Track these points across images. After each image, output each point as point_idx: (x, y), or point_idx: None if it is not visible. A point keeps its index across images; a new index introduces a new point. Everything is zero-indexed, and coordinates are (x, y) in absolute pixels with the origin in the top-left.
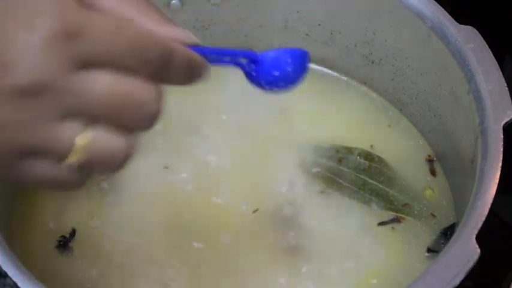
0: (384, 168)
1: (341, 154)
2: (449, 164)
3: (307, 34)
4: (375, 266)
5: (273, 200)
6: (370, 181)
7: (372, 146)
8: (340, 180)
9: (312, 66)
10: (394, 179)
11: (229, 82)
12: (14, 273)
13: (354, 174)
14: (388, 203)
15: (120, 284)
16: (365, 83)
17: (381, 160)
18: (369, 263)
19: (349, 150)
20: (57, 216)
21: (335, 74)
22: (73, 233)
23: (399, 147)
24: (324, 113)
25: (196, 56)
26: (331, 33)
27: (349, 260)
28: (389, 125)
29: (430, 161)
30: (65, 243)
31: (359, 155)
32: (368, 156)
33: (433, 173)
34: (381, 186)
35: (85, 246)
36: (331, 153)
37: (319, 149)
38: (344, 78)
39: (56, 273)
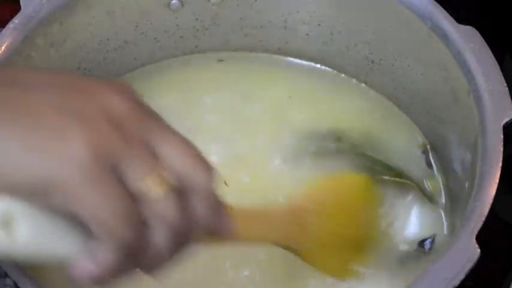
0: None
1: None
2: (449, 163)
3: (307, 34)
4: None
5: (271, 198)
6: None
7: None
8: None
9: (312, 66)
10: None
11: (230, 82)
12: (14, 273)
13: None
14: (388, 169)
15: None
16: (365, 83)
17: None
18: None
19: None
20: None
21: (335, 74)
22: None
23: (399, 146)
24: (324, 113)
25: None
26: (331, 33)
27: None
28: (385, 120)
29: (425, 152)
30: None
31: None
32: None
33: (430, 165)
34: (381, 159)
35: None
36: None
37: (316, 136)
38: (344, 78)
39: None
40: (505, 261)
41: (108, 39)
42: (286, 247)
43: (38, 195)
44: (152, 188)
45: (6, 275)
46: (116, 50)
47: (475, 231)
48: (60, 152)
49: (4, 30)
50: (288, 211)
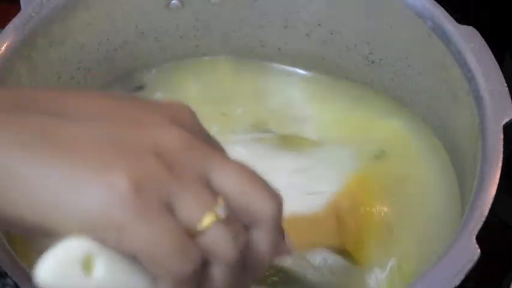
0: None
1: None
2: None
3: (307, 34)
4: None
5: None
6: None
7: (370, 144)
8: None
9: (312, 66)
10: None
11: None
12: (14, 273)
13: None
14: None
15: None
16: (365, 83)
17: None
18: None
19: None
20: None
21: (335, 74)
22: None
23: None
24: (324, 113)
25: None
26: (331, 33)
27: None
28: (388, 125)
29: None
30: None
31: None
32: None
33: None
34: None
35: None
36: None
37: None
38: (344, 78)
39: None
40: (505, 261)
41: (108, 39)
42: (333, 247)
43: (89, 232)
44: (207, 226)
45: (6, 275)
46: (115, 50)
47: (475, 231)
48: (98, 186)
49: (4, 30)
50: (327, 212)
